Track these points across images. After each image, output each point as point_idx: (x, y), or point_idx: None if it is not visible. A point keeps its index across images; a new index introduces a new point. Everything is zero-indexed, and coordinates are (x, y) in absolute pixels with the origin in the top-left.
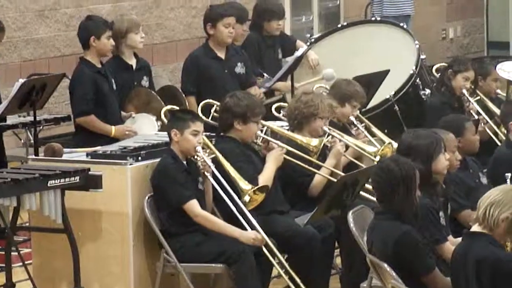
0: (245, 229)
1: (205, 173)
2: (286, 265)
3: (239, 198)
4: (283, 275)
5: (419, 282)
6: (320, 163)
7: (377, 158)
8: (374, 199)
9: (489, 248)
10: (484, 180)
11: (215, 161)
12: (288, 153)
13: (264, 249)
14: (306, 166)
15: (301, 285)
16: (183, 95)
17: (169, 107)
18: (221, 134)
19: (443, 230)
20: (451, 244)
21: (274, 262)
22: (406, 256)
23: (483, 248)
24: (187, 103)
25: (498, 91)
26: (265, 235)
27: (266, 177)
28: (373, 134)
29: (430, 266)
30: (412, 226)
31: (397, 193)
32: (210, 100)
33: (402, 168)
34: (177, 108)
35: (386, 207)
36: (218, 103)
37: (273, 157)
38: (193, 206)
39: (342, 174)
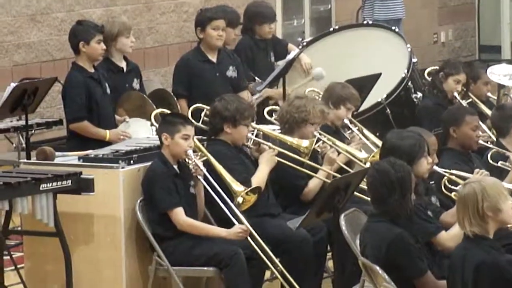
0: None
1: (197, 176)
2: (281, 268)
3: (232, 200)
4: (279, 277)
5: (411, 285)
6: (313, 164)
7: (367, 165)
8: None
9: (489, 252)
10: None
11: (207, 164)
12: (280, 155)
13: (259, 251)
14: (299, 168)
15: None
16: (175, 99)
17: (159, 110)
18: (212, 137)
19: (434, 222)
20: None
21: (270, 264)
22: (399, 259)
23: (483, 252)
24: (178, 107)
25: (489, 94)
26: (254, 232)
27: (259, 178)
28: (366, 137)
29: (422, 269)
30: (406, 229)
31: (392, 195)
32: (200, 105)
33: (398, 171)
34: (168, 111)
35: (380, 209)
36: (208, 107)
37: (265, 159)
38: (178, 214)
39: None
